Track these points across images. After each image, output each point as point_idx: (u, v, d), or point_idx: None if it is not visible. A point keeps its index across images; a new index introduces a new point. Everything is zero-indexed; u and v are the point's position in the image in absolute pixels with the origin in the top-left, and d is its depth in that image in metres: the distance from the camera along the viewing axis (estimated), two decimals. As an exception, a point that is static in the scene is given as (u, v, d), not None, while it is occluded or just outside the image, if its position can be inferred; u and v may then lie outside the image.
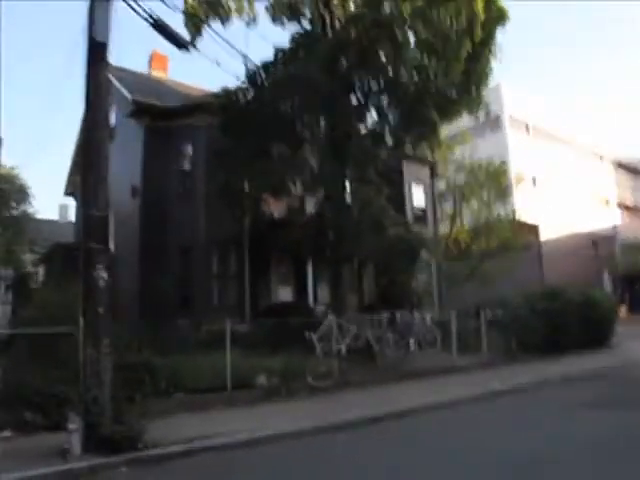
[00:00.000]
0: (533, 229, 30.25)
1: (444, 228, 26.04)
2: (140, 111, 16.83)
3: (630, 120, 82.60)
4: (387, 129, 14.11)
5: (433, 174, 21.89)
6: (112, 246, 7.31)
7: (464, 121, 25.62)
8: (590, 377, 11.91)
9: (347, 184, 13.95)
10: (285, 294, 18.20)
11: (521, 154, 34.87)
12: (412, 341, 12.57)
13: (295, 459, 6.42)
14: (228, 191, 14.05)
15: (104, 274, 7.04)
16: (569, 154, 40.46)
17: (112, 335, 7.09)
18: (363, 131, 14.47)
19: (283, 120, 13.43)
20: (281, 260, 18.09)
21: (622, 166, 48.26)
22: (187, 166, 16.93)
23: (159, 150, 16.74)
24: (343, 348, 11.36)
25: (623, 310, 26.77)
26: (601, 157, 45.43)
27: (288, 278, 18.66)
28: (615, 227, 39.95)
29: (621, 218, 44.24)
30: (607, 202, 44.84)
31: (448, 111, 13.44)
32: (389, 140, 14.28)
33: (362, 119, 14.18)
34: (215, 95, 13.92)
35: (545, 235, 32.15)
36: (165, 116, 16.87)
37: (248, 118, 13.08)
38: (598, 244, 34.58)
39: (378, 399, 9.58)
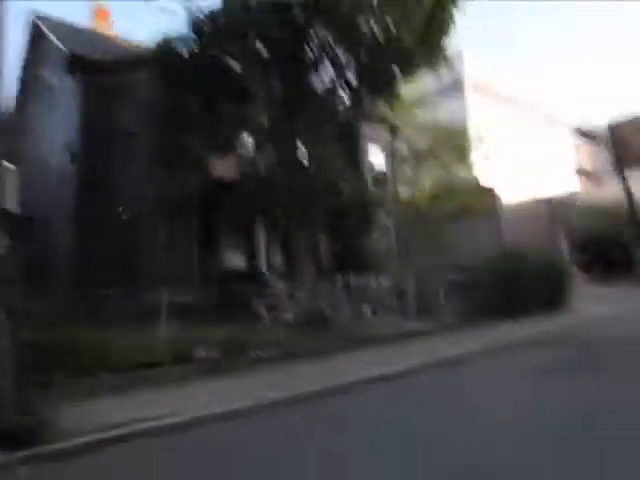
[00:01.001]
0: (492, 193, 29.94)
1: (404, 192, 25.40)
2: (77, 65, 15.42)
3: (590, 87, 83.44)
4: (344, 84, 13.14)
5: (393, 135, 21.03)
6: (12, 206, 6.26)
7: (425, 84, 25.04)
8: (549, 340, 11.69)
9: (301, 143, 12.99)
10: (238, 261, 17.34)
11: (481, 119, 34.30)
12: (367, 307, 11.86)
13: (219, 447, 5.64)
14: (171, 149, 12.89)
15: (2, 239, 6.02)
16: (529, 119, 40.21)
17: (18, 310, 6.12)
18: (319, 86, 13.46)
19: (231, 73, 12.30)
20: (233, 225, 17.16)
21: (581, 133, 48.50)
22: (129, 126, 15.63)
23: (99, 109, 15.43)
24: (291, 316, 10.61)
25: (579, 274, 26.88)
26: (561, 123, 45.42)
27: (241, 244, 17.77)
28: (573, 193, 40.16)
29: (580, 185, 44.54)
30: (565, 167, 45.05)
31: (408, 63, 12.47)
32: (346, 96, 13.34)
33: (318, 73, 13.13)
34: (155, 44, 12.55)
35: (504, 199, 31.93)
36: (104, 71, 15.47)
37: (192, 70, 11.90)
38: (556, 209, 34.68)
39: (325, 371, 8.90)
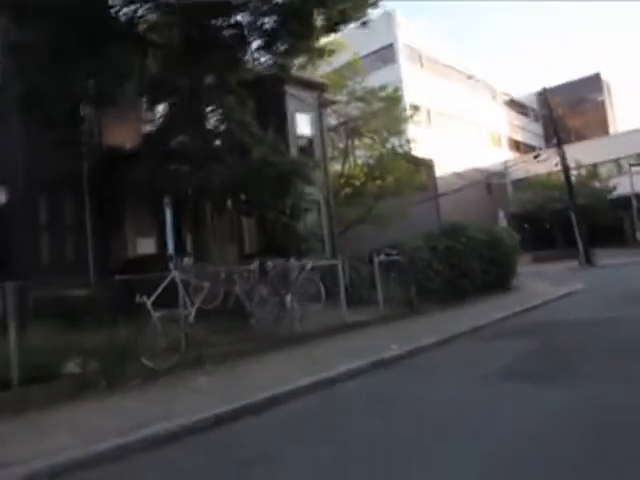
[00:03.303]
0: (428, 165, 28.67)
1: (336, 166, 23.59)
2: None
3: (521, 58, 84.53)
4: (257, 29, 10.94)
5: (321, 100, 18.90)
6: None
7: (356, 48, 23.15)
8: (503, 329, 10.09)
9: (203, 97, 10.71)
10: (148, 246, 14.96)
11: (415, 87, 32.88)
12: (289, 296, 9.88)
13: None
14: (46, 104, 10.24)
15: None
16: (463, 89, 39.26)
17: None
18: (226, 32, 11.17)
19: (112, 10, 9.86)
20: (139, 203, 14.71)
21: (513, 104, 48.32)
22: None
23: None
24: (192, 313, 8.52)
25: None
26: (493, 94, 44.90)
27: (151, 226, 15.36)
28: (506, 164, 39.83)
29: (513, 156, 44.39)
30: (499, 139, 44.73)
31: (329, 3, 10.29)
32: (260, 43, 11.16)
33: (224, 14, 10.84)
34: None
35: (439, 171, 30.82)
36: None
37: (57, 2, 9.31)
38: (491, 181, 34.07)
39: (235, 382, 6.92)
